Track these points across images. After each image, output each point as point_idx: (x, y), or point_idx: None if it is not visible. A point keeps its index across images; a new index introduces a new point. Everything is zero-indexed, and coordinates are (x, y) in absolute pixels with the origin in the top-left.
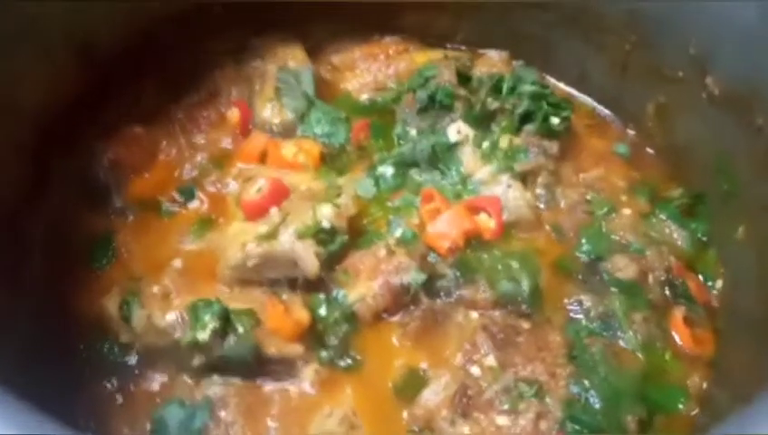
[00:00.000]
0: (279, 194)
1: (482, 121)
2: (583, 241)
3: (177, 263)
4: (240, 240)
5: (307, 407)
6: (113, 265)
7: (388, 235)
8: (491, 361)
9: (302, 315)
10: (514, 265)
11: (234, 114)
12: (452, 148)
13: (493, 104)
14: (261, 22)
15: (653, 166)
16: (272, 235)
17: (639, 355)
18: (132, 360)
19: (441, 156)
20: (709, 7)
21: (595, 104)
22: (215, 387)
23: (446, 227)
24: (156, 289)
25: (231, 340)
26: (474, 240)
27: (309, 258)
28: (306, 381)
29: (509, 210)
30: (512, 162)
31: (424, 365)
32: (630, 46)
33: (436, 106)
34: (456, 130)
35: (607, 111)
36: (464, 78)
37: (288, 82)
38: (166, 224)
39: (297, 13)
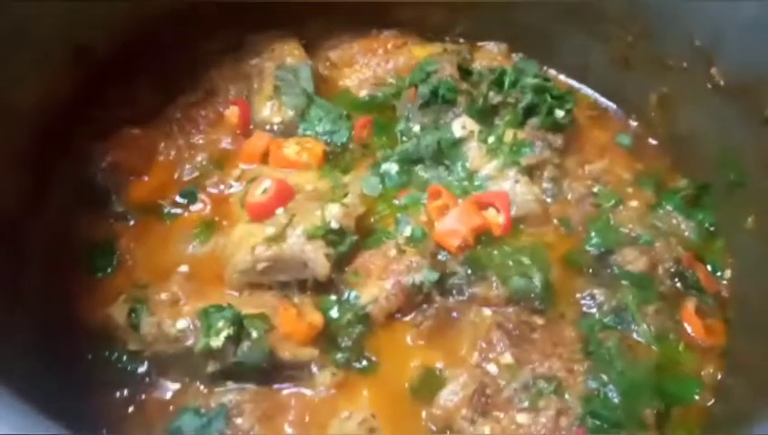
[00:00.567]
0: (285, 194)
1: (485, 116)
2: (592, 234)
3: (184, 268)
4: (247, 243)
5: (324, 410)
6: (117, 271)
7: (396, 233)
8: (507, 358)
9: (316, 318)
10: (525, 260)
11: (233, 113)
12: (457, 143)
13: (495, 98)
14: (256, 19)
15: (656, 157)
16: (279, 237)
17: (654, 348)
18: (142, 368)
19: (446, 152)
20: None
21: (597, 95)
22: (229, 394)
23: (455, 224)
24: (164, 296)
25: (245, 346)
26: (483, 236)
27: (319, 260)
28: (322, 384)
29: (517, 205)
30: (517, 157)
31: (440, 365)
32: (633, 37)
33: (439, 101)
34: (461, 125)
35: (609, 102)
36: (465, 72)
37: (287, 79)
38: (168, 228)
39: (292, 9)
